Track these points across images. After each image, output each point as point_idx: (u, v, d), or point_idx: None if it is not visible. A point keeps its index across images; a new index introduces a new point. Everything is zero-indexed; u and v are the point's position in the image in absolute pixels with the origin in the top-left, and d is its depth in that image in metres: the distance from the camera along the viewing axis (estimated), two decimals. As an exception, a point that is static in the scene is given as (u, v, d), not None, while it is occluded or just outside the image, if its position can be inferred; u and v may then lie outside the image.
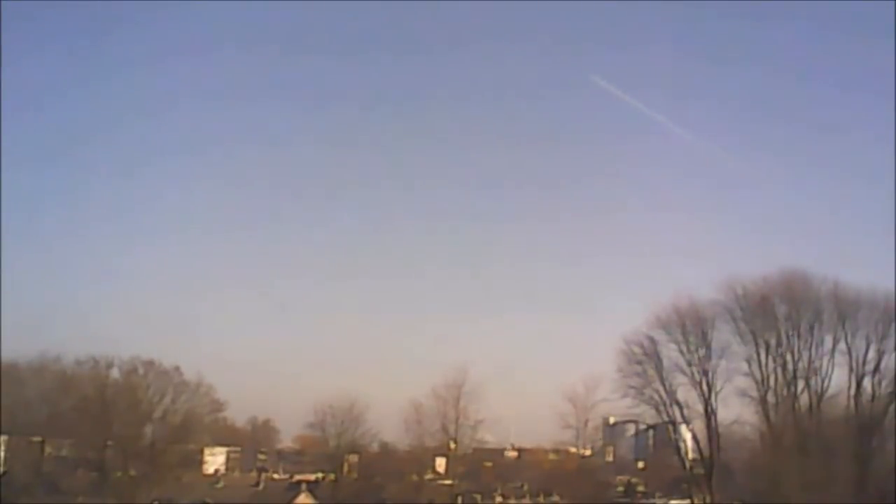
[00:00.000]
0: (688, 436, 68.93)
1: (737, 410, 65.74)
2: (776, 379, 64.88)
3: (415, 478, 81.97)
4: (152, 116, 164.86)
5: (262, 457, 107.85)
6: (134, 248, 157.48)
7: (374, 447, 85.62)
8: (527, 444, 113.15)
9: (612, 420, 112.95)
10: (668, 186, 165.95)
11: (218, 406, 75.15)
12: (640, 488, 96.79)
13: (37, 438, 72.82)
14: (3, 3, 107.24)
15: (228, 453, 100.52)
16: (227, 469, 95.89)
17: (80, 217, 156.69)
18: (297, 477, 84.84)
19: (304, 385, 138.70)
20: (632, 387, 66.25)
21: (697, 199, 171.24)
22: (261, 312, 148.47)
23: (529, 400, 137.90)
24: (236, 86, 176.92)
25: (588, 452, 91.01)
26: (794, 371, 64.81)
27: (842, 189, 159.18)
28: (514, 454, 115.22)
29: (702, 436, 66.84)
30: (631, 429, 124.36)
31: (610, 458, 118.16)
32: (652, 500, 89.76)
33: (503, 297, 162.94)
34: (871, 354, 63.56)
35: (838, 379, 64.52)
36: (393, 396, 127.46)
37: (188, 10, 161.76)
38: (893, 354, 63.50)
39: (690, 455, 69.59)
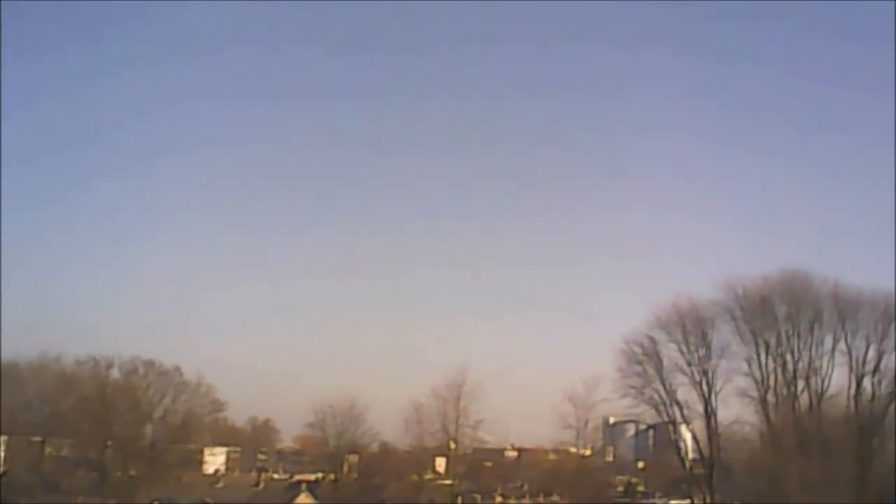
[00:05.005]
0: (688, 436, 68.77)
1: (737, 410, 65.60)
2: (776, 379, 64.73)
3: (415, 478, 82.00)
4: (152, 116, 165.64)
5: (262, 457, 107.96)
6: (134, 247, 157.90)
7: (374, 447, 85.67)
8: (527, 444, 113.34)
9: (612, 420, 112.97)
10: (668, 186, 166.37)
11: (218, 406, 75.28)
12: (640, 488, 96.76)
13: (37, 438, 72.94)
14: (3, 3, 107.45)
15: (228, 453, 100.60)
16: (227, 469, 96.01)
17: (80, 217, 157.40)
18: (297, 477, 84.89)
19: (304, 385, 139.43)
20: (632, 387, 66.20)
21: (697, 199, 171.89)
22: (261, 312, 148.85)
23: (529, 400, 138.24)
24: (237, 85, 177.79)
25: (588, 452, 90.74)
26: (794, 371, 64.64)
27: (842, 189, 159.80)
28: (514, 454, 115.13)
29: (702, 436, 66.71)
30: (631, 429, 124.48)
31: (610, 458, 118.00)
32: (652, 500, 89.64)
33: (503, 297, 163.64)
34: (871, 354, 63.25)
35: (838, 379, 64.31)
36: (393, 396, 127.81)
37: (188, 10, 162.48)
38: (893, 354, 63.28)
39: (690, 455, 69.41)
